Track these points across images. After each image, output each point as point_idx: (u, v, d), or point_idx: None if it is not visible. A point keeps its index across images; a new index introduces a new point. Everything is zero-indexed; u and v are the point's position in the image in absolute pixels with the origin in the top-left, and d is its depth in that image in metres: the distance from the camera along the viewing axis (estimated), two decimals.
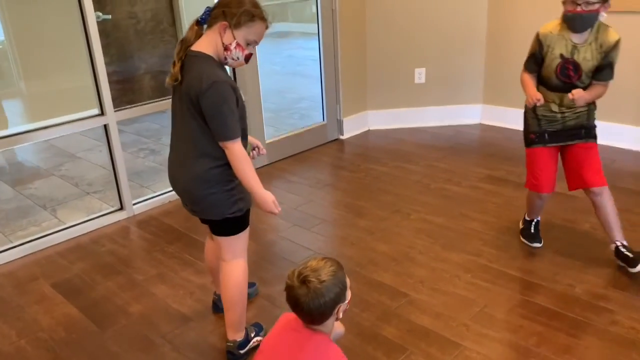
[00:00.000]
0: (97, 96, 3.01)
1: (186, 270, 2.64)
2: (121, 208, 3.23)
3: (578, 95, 2.24)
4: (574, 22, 2.25)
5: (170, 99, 1.92)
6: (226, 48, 1.79)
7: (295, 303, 1.44)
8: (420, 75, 4.47)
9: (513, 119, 4.33)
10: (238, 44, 1.80)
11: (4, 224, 3.25)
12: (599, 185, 2.40)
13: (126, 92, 5.21)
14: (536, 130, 2.50)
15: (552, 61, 2.35)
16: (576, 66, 2.31)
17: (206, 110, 1.75)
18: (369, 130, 4.57)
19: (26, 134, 2.87)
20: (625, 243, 2.47)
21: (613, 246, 2.48)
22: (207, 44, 1.81)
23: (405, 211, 3.11)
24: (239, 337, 2.03)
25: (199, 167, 1.83)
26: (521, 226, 2.81)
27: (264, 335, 2.07)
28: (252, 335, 2.08)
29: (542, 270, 2.48)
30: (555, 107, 2.42)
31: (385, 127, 4.58)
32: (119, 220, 3.19)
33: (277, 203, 1.86)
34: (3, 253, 2.82)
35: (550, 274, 2.45)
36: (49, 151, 4.50)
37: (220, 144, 1.79)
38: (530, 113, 2.52)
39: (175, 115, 1.89)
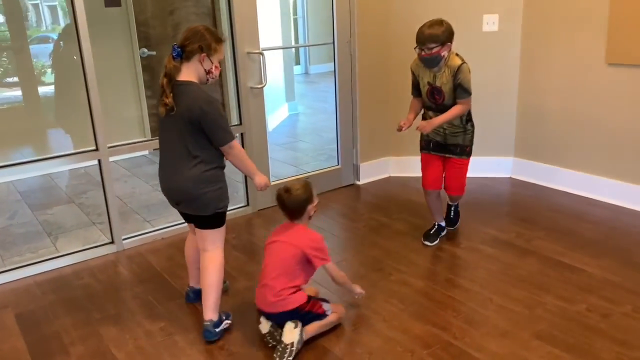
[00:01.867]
0: (92, 132, 3.11)
1: (142, 313, 2.61)
2: (112, 242, 3.29)
3: (422, 126, 2.86)
4: (423, 63, 2.84)
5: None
6: (208, 72, 2.26)
7: (283, 203, 2.31)
8: None
9: (545, 176, 4.04)
10: (216, 67, 2.28)
11: (8, 248, 3.42)
12: (456, 194, 3.17)
13: None
14: (425, 139, 3.09)
15: (424, 87, 2.94)
16: (439, 90, 2.87)
17: (207, 125, 2.17)
18: (389, 177, 4.40)
19: (18, 166, 3.00)
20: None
21: (448, 203, 3.29)
22: (189, 74, 2.23)
23: (387, 270, 2.91)
24: (215, 317, 2.35)
25: (196, 171, 2.22)
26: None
27: (231, 320, 2.44)
28: (224, 318, 2.41)
29: (511, 355, 2.20)
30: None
31: (407, 174, 4.39)
32: (107, 254, 3.25)
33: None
34: None
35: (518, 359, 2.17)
36: (81, 178, 4.72)
37: (222, 148, 2.23)
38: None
39: (168, 134, 2.27)
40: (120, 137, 3.94)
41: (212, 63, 2.25)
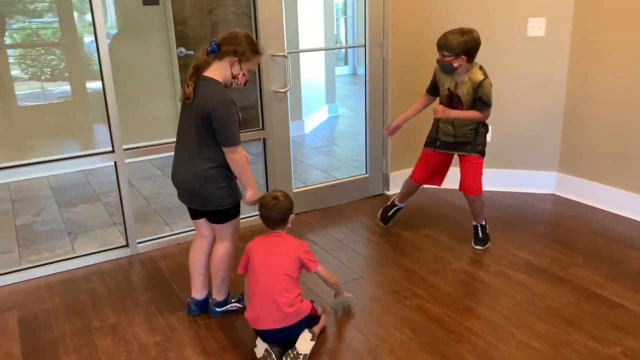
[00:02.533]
0: (109, 134, 3.06)
1: (142, 324, 2.52)
2: (127, 245, 3.24)
3: (439, 109, 2.90)
4: (440, 68, 2.91)
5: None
6: (234, 77, 2.29)
7: (270, 211, 2.29)
8: None
9: (591, 194, 3.72)
10: (244, 74, 2.31)
11: (28, 245, 3.43)
12: (472, 194, 3.05)
13: None
14: (432, 136, 3.15)
15: (443, 92, 2.98)
16: (458, 98, 2.90)
17: (216, 123, 2.19)
18: (422, 187, 4.16)
19: (33, 166, 2.98)
20: (482, 223, 3.17)
21: (473, 224, 3.19)
22: (216, 71, 2.26)
23: (404, 293, 2.71)
24: (219, 297, 2.52)
25: (200, 167, 2.27)
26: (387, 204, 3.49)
27: (243, 306, 2.53)
28: (232, 300, 2.57)
29: None
30: (450, 125, 3.02)
31: (441, 186, 4.14)
32: (120, 257, 3.19)
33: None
34: (3, 276, 2.94)
35: None
36: (112, 176, 4.72)
37: (225, 149, 2.25)
38: (435, 121, 3.11)
39: (183, 126, 2.32)
40: (155, 136, 3.90)
41: (241, 70, 2.29)
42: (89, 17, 5.14)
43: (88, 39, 5.03)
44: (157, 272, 3.01)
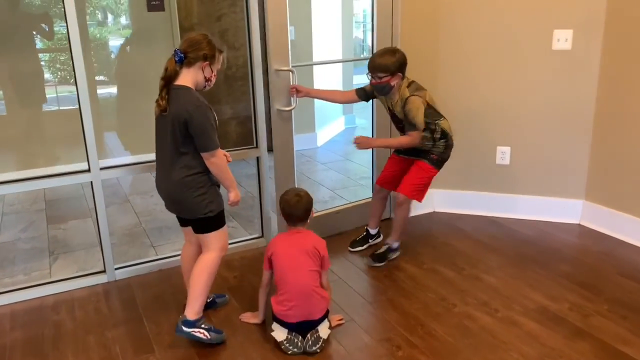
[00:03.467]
0: (85, 152, 2.83)
1: None
2: (104, 271, 3.01)
3: (359, 140, 2.93)
4: (374, 90, 2.92)
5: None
6: (208, 79, 2.32)
7: (293, 208, 2.39)
8: (503, 155, 3.64)
9: (622, 227, 3.35)
10: (214, 75, 2.34)
11: (5, 266, 3.23)
12: (402, 193, 2.96)
13: None
14: None
15: (386, 111, 3.02)
16: (398, 118, 2.93)
17: (194, 130, 2.19)
18: (433, 212, 3.84)
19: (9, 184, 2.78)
20: (393, 246, 3.11)
21: (386, 241, 3.15)
22: (187, 78, 2.26)
23: (396, 341, 2.39)
24: (190, 316, 2.32)
25: (178, 175, 2.27)
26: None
27: (217, 340, 2.36)
28: (203, 326, 2.34)
29: None
30: None
31: (454, 210, 3.81)
32: (96, 284, 2.96)
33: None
34: None
35: None
36: (110, 189, 4.53)
37: (204, 154, 2.24)
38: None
39: (160, 137, 2.33)
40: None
41: (212, 72, 2.33)
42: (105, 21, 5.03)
43: (99, 43, 4.89)
44: (131, 304, 2.77)
